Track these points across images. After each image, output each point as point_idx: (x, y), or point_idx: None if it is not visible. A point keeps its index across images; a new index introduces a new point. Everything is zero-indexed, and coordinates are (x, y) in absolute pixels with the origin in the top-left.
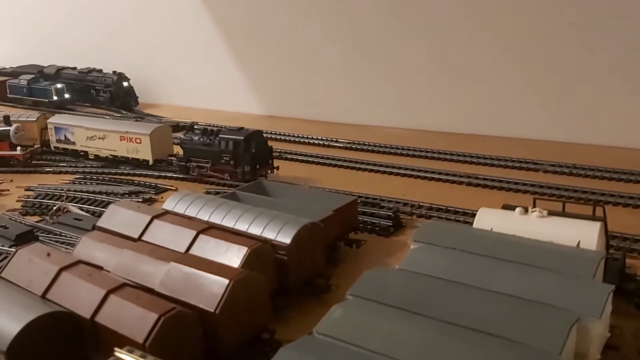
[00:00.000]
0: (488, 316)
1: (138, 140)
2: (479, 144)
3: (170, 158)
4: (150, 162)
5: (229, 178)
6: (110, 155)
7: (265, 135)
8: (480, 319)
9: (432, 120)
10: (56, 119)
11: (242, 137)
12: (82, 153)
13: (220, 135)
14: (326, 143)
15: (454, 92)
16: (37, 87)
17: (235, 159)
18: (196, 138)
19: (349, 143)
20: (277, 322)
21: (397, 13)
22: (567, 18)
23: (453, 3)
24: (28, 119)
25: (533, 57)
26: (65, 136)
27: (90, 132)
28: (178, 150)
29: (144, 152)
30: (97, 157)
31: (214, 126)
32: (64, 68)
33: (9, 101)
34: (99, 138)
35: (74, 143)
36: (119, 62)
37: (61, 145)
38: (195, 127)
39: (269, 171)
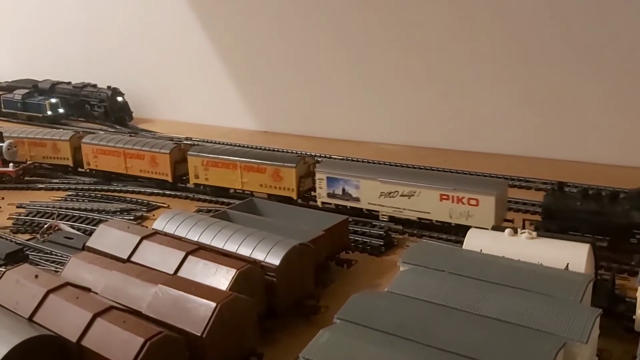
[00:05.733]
0: (475, 341)
1: (473, 202)
2: (471, 161)
3: (508, 223)
4: None
5: None
6: (419, 218)
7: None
8: (468, 345)
9: (426, 136)
10: (331, 167)
11: None
12: (368, 212)
13: (630, 205)
14: None
15: (447, 109)
16: (31, 101)
17: None
18: (575, 203)
19: None
20: (265, 344)
21: (392, 31)
22: (561, 39)
23: (447, 21)
24: (285, 165)
25: (527, 76)
26: (343, 190)
27: (388, 186)
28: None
29: (481, 218)
30: (392, 219)
31: (600, 187)
32: (58, 83)
33: (2, 116)
34: (403, 195)
35: (356, 199)
36: (113, 77)
37: (335, 201)
38: (567, 187)
39: None
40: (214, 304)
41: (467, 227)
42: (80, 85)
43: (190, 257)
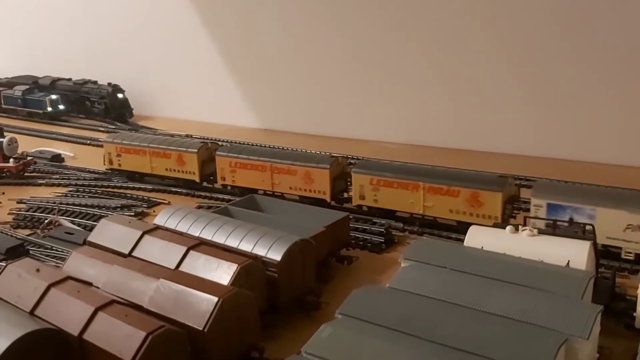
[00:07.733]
0: (477, 337)
1: None
2: (474, 160)
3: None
4: None
5: None
6: None
7: None
8: (470, 340)
9: (429, 136)
10: (553, 192)
11: None
12: (603, 247)
13: None
14: None
15: (451, 108)
16: (31, 98)
17: None
18: None
19: None
20: (267, 339)
21: (396, 30)
22: (566, 38)
23: (451, 21)
24: (488, 188)
25: (531, 75)
26: (571, 220)
27: (637, 218)
28: None
29: None
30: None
31: None
32: (59, 79)
33: (3, 112)
34: None
35: None
36: (114, 73)
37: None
38: None
39: None
40: (215, 299)
41: None
42: (81, 81)
43: (191, 252)
